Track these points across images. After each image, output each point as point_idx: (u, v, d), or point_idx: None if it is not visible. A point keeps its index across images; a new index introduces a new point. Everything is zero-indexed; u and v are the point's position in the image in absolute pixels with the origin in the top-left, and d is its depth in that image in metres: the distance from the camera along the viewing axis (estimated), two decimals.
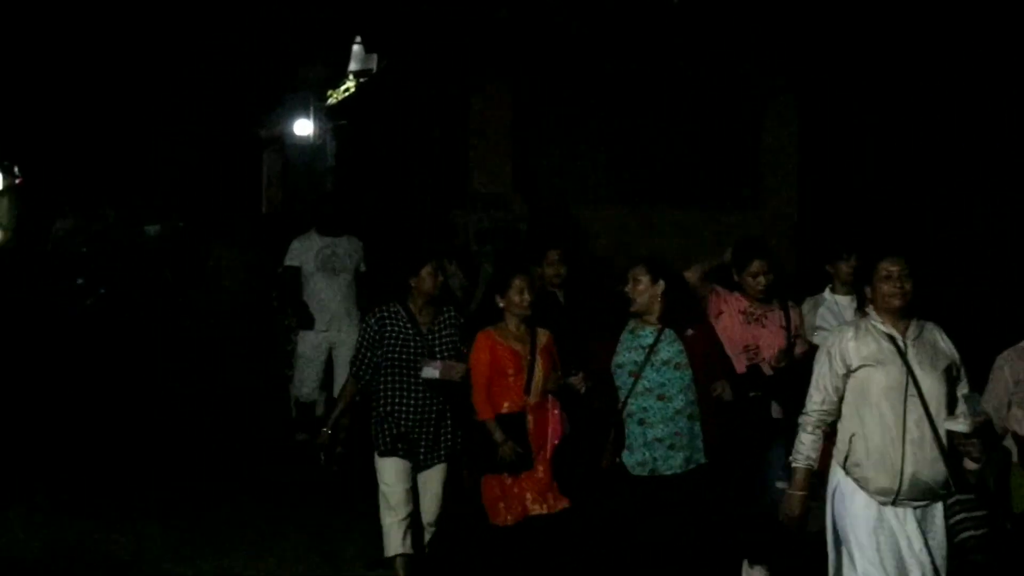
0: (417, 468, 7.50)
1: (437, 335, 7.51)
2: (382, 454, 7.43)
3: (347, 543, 8.35)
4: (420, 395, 7.43)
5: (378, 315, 7.53)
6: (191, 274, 15.60)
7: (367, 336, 7.51)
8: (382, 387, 7.49)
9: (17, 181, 35.62)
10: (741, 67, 13.74)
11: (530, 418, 7.21)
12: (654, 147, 14.01)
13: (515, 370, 7.22)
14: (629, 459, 7.02)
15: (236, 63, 25.14)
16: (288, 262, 10.66)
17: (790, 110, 14.09)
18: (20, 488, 9.42)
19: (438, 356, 7.42)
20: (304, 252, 10.60)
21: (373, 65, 17.94)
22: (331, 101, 20.14)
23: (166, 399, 12.61)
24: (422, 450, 7.48)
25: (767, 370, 7.56)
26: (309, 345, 10.61)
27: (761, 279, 7.75)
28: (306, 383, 10.66)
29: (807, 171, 14.13)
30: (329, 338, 10.57)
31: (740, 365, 7.54)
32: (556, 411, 7.29)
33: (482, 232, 12.95)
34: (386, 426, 7.43)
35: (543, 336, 7.37)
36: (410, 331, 7.46)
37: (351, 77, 18.59)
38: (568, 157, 13.97)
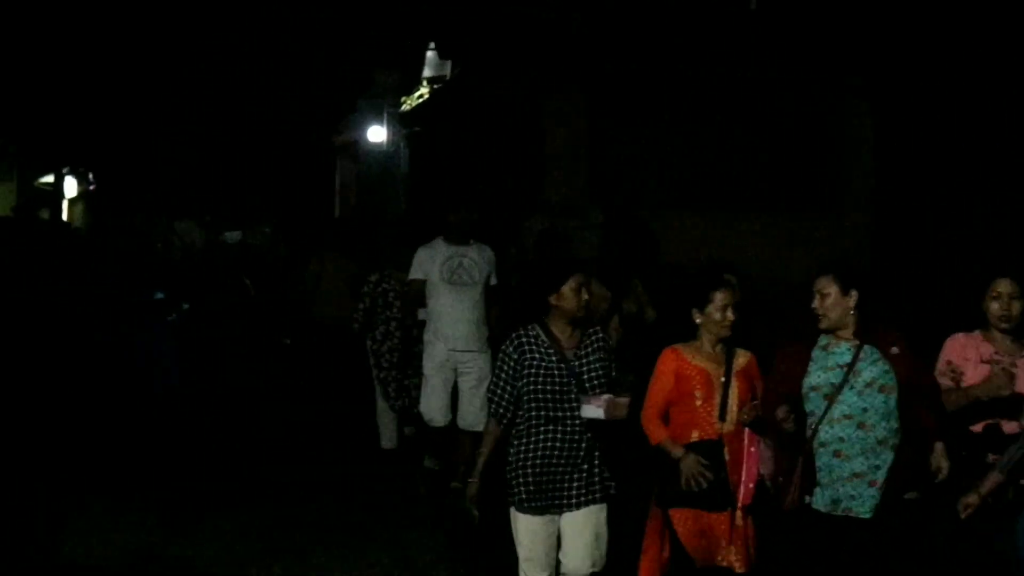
0: (564, 509, 6.39)
1: (584, 361, 6.41)
2: (521, 509, 6.33)
3: (426, 550, 8.35)
4: (568, 432, 6.34)
5: (515, 340, 6.42)
6: (278, 284, 14.87)
7: (506, 366, 6.39)
8: (523, 425, 6.37)
9: (91, 187, 36.24)
10: (817, 71, 13.63)
11: (726, 448, 6.22)
12: (729, 153, 13.92)
13: (704, 394, 6.23)
14: (820, 497, 6.01)
15: (311, 70, 25.33)
16: (413, 275, 9.55)
17: (866, 114, 13.94)
18: (100, 493, 9.51)
19: (587, 386, 6.34)
20: (429, 262, 9.47)
21: (447, 72, 18.01)
22: (405, 108, 20.22)
23: (259, 414, 12.72)
24: (573, 492, 6.34)
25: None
26: (435, 364, 9.51)
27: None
28: (434, 407, 9.54)
29: (884, 175, 13.98)
30: (456, 358, 9.48)
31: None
32: (753, 448, 6.27)
33: (545, 235, 12.46)
34: (527, 472, 6.31)
35: (742, 357, 6.35)
36: (553, 358, 6.38)
37: (425, 84, 18.67)
38: (643, 163, 13.91)
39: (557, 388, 6.31)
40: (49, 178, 35.96)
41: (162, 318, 12.76)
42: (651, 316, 9.64)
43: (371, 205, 22.91)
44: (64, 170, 36.10)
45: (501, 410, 6.36)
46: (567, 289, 6.38)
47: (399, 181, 21.56)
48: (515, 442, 6.35)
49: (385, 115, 22.08)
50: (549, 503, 6.31)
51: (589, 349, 6.41)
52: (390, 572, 7.96)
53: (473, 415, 9.24)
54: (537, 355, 6.36)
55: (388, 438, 10.93)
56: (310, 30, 24.66)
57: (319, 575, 7.90)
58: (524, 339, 6.39)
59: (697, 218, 13.73)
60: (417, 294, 9.54)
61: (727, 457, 6.18)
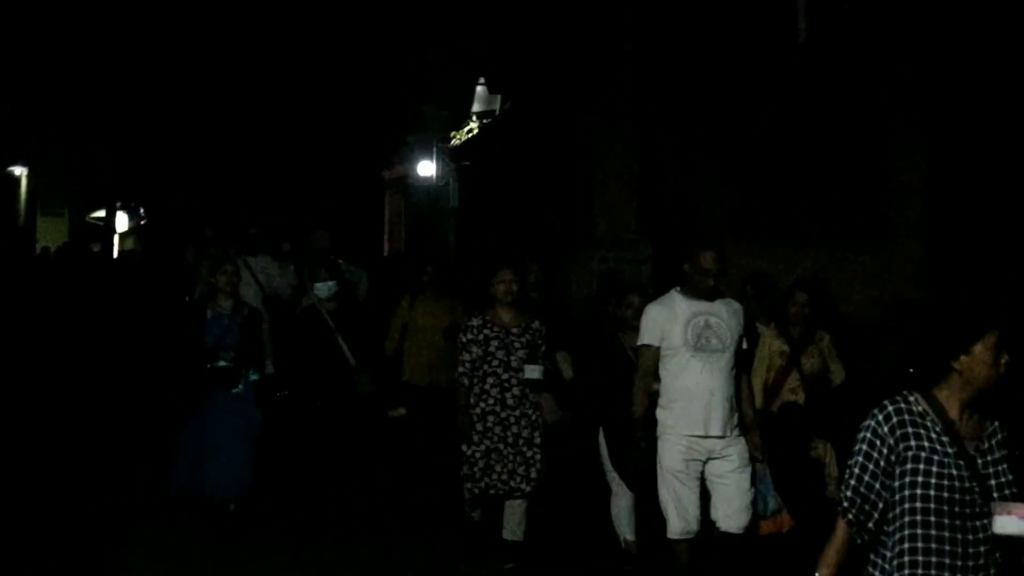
0: None
1: (989, 456, 4.51)
2: None
3: None
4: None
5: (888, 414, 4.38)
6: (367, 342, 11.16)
7: (874, 451, 4.43)
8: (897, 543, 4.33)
9: (142, 222, 36.64)
10: (871, 104, 13.53)
11: None
12: (782, 185, 13.81)
13: None
14: None
15: (361, 105, 25.48)
16: (645, 340, 7.38)
17: (921, 148, 13.81)
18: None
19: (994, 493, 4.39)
20: (666, 323, 7.33)
21: (496, 106, 18.03)
22: (454, 142, 20.25)
23: None
24: None
25: None
26: (675, 458, 7.22)
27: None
28: (689, 514, 7.23)
29: (938, 211, 13.83)
30: (706, 448, 7.23)
31: None
32: None
33: (605, 274, 12.59)
34: None
35: None
36: (950, 449, 4.19)
37: (474, 118, 18.68)
38: (696, 196, 13.79)
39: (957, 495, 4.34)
40: (100, 212, 36.34)
41: (224, 388, 9.06)
42: (838, 375, 8.66)
43: (421, 240, 22.93)
44: (116, 204, 36.48)
45: (863, 517, 4.42)
46: (981, 348, 4.39)
47: (449, 215, 21.57)
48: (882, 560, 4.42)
49: (435, 149, 22.12)
50: None
51: (992, 441, 4.45)
52: None
53: (741, 512, 7.25)
54: (927, 443, 4.37)
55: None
56: (360, 66, 24.80)
57: None
58: (904, 414, 4.40)
59: (749, 250, 13.61)
60: (652, 365, 7.37)
61: None
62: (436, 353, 10.70)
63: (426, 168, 22.57)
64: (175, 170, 33.19)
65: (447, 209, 21.62)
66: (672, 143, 13.71)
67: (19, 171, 32.70)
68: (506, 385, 8.23)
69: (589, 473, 8.63)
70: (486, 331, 8.26)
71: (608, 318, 8.65)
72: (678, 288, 7.36)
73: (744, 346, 7.43)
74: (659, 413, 7.28)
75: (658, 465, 7.22)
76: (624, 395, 7.54)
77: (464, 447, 8.28)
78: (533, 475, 8.21)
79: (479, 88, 18.23)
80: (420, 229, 23.76)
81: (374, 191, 27.14)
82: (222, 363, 8.99)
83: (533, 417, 8.28)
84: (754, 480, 7.27)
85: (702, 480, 7.19)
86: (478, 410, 8.24)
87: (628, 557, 8.27)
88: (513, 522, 8.33)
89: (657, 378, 7.34)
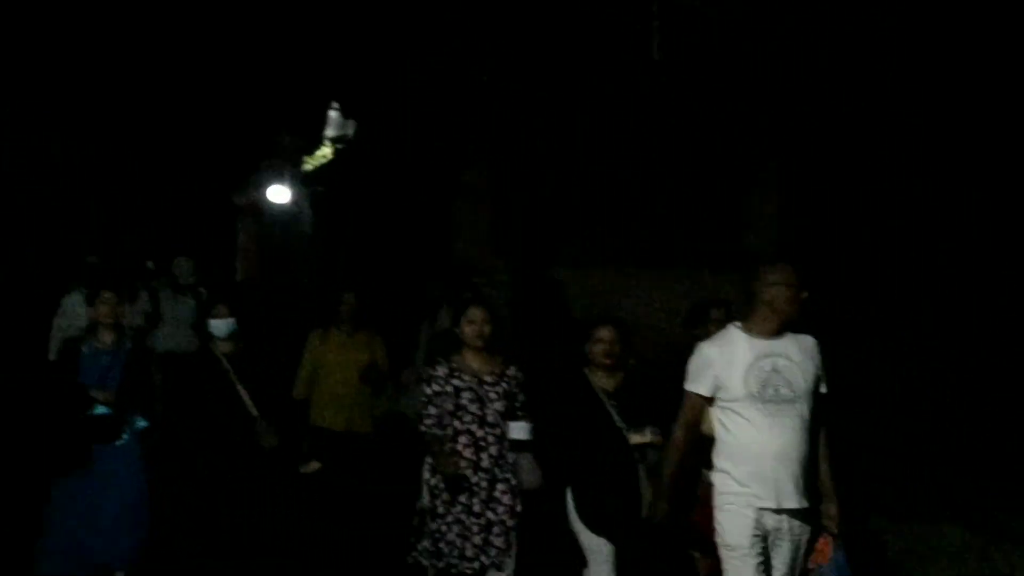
0: None
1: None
2: None
3: None
4: None
5: None
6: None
7: None
8: None
9: None
10: (724, 129, 13.67)
11: None
12: (637, 208, 13.88)
13: None
14: None
15: (211, 129, 25.07)
16: (694, 386, 5.97)
17: (774, 173, 14.01)
18: None
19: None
20: (724, 367, 5.90)
21: (350, 131, 17.88)
22: (307, 167, 20.05)
23: None
24: None
25: None
26: (742, 534, 5.85)
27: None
28: None
29: (789, 235, 14.04)
30: (773, 523, 5.88)
31: None
32: None
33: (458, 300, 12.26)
34: None
35: None
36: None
37: (328, 143, 18.53)
38: (550, 222, 13.80)
39: None
40: None
41: (103, 442, 7.76)
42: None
43: (274, 267, 22.64)
44: None
45: None
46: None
47: (303, 241, 21.32)
48: None
49: (288, 175, 21.88)
50: None
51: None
52: None
53: None
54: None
55: None
56: (210, 89, 24.41)
57: None
58: None
59: (604, 274, 13.68)
60: (694, 418, 6.03)
61: None
62: (352, 395, 9.59)
63: (279, 194, 22.30)
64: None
65: (301, 234, 21.37)
66: (525, 169, 13.66)
67: None
68: (481, 444, 7.06)
69: (559, 542, 7.36)
70: (455, 381, 7.10)
71: (573, 356, 7.50)
72: (738, 324, 5.97)
73: (823, 390, 5.98)
74: (717, 478, 5.95)
75: (719, 542, 5.92)
76: (597, 445, 6.95)
77: (428, 519, 7.11)
78: (513, 547, 7.07)
79: (332, 113, 18.08)
80: (274, 255, 23.48)
81: (226, 217, 26.73)
82: (101, 410, 7.68)
83: (513, 482, 7.10)
84: (811, 556, 6.02)
85: None
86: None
87: None
88: None
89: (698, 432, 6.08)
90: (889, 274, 13.14)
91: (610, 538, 6.96)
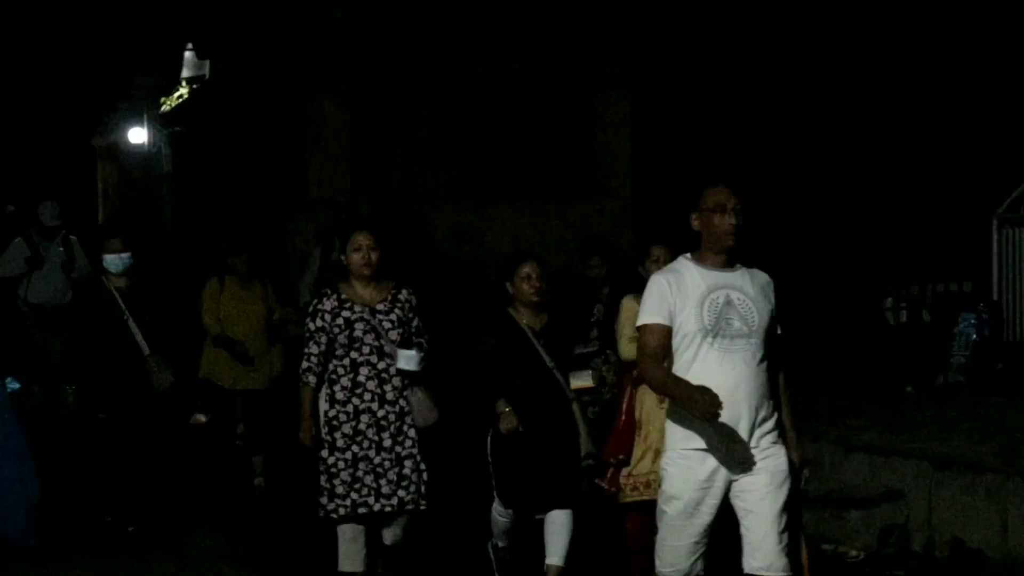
0: None
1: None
2: None
3: None
4: None
5: None
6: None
7: None
8: None
9: None
10: (574, 61, 13.86)
11: None
12: (494, 143, 13.98)
13: None
14: None
15: (66, 71, 24.64)
16: (651, 317, 5.43)
17: (624, 101, 14.23)
18: None
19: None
20: (677, 298, 5.41)
21: (206, 71, 17.76)
22: (165, 108, 19.89)
23: None
24: None
25: None
26: (682, 485, 5.35)
27: None
28: (679, 554, 5.37)
29: (643, 163, 14.31)
30: (727, 464, 5.32)
31: None
32: None
33: (320, 233, 12.23)
34: None
35: None
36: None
37: (184, 84, 18.39)
38: (409, 157, 13.87)
39: None
40: None
41: None
42: None
43: (135, 209, 22.44)
44: None
45: None
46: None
47: (162, 182, 21.15)
48: None
49: (146, 117, 21.65)
50: None
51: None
52: None
53: (774, 552, 5.28)
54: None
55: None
56: (66, 31, 24.00)
57: None
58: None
59: (464, 208, 13.82)
60: (659, 347, 5.43)
61: None
62: (249, 349, 9.42)
63: (137, 135, 22.08)
64: None
65: (160, 176, 21.21)
66: (381, 105, 13.71)
67: None
68: (384, 376, 6.71)
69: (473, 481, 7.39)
70: (345, 313, 6.71)
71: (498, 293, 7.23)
72: (688, 255, 5.48)
73: (779, 331, 5.51)
74: (666, 422, 5.52)
75: (659, 494, 5.46)
76: (526, 387, 6.77)
77: (324, 453, 6.71)
78: (425, 481, 6.76)
79: (187, 54, 17.93)
80: (135, 197, 23.27)
81: (85, 160, 26.36)
82: None
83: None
84: (796, 506, 5.44)
85: (729, 516, 5.38)
86: (350, 408, 6.68)
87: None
88: (394, 532, 6.87)
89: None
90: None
91: (504, 500, 6.90)
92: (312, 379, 6.71)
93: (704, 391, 5.06)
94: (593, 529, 7.23)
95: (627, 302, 6.91)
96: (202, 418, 9.35)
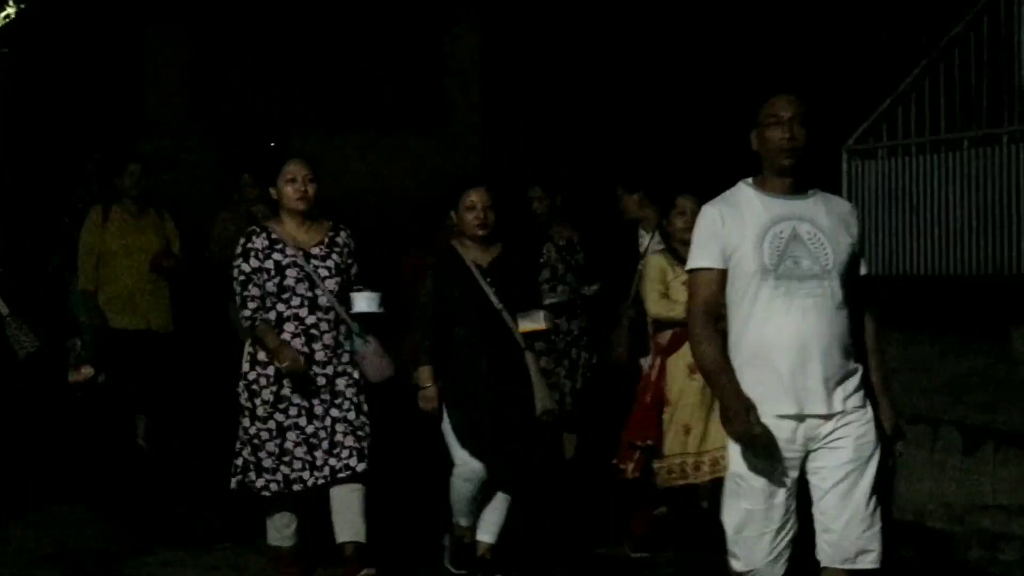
0: None
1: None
2: None
3: None
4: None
5: None
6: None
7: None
8: None
9: None
10: None
11: None
12: (337, 75, 13.68)
13: None
14: None
15: None
16: (701, 260, 4.58)
17: (472, 33, 13.99)
18: None
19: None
20: (732, 233, 4.51)
21: None
22: None
23: None
24: None
25: None
26: (747, 459, 4.50)
27: None
28: (745, 551, 4.55)
29: (493, 96, 14.13)
30: (802, 436, 4.48)
31: None
32: None
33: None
34: None
35: None
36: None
37: (11, 3, 17.66)
38: (251, 87, 13.56)
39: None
40: None
41: None
42: None
43: None
44: None
45: None
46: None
47: None
48: None
49: None
50: None
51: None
52: None
53: (860, 537, 4.43)
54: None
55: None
56: None
57: None
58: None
59: (308, 140, 13.49)
60: (713, 298, 4.54)
61: None
62: (141, 285, 8.37)
63: None
64: None
65: None
66: (220, 33, 13.36)
67: None
68: (313, 333, 5.93)
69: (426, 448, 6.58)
70: (276, 256, 5.92)
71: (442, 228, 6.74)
72: (750, 179, 4.61)
73: (863, 271, 4.64)
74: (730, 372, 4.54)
75: (727, 478, 4.60)
76: (473, 331, 6.07)
77: (245, 422, 5.94)
78: (366, 447, 5.95)
79: None
80: None
81: None
82: None
83: (355, 375, 6.03)
84: (887, 484, 4.75)
85: (802, 490, 4.55)
86: (270, 370, 5.89)
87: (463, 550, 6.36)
88: (347, 518, 5.94)
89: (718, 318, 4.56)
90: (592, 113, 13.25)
91: (481, 456, 6.10)
92: (264, 315, 5.90)
93: (747, 404, 4.30)
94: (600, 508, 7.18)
95: (652, 258, 6.71)
96: (88, 371, 7.24)
